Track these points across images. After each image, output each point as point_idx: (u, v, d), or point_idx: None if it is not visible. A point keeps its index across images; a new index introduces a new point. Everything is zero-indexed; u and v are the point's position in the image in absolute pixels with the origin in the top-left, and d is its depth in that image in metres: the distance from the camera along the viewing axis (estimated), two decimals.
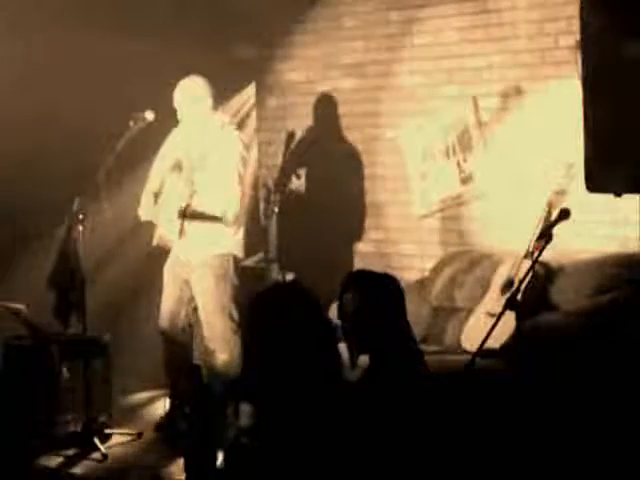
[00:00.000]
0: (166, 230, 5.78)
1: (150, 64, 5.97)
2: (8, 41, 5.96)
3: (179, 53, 6.31)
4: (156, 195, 5.80)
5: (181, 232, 5.71)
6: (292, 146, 6.67)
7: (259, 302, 3.34)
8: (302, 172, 5.79)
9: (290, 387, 3.25)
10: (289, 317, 3.30)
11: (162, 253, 5.90)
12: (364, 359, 3.47)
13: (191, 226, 5.72)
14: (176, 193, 5.72)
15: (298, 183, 6.03)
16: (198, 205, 5.69)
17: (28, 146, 6.10)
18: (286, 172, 6.68)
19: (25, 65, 6.04)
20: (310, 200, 6.65)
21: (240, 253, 5.91)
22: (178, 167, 5.76)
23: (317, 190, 6.83)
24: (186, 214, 5.67)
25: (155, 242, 5.86)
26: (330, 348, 3.41)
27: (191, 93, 5.77)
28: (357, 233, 6.94)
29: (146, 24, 6.41)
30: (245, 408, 3.41)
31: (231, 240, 5.81)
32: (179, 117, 5.80)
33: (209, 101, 5.79)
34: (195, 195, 5.70)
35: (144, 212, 5.81)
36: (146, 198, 5.81)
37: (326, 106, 7.04)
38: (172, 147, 5.92)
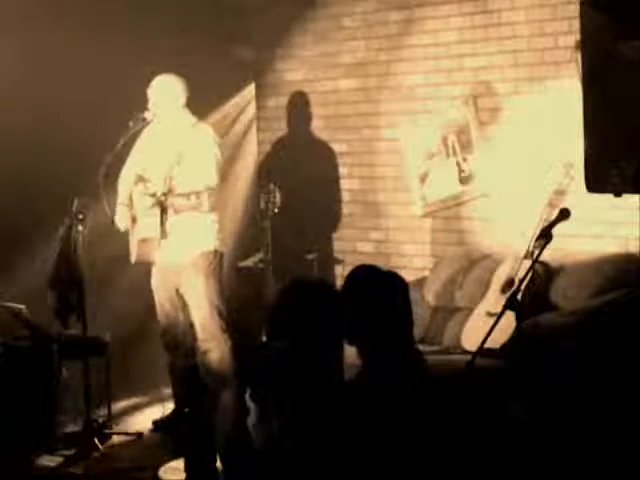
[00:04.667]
0: (146, 232, 5.72)
1: (150, 64, 5.96)
2: (7, 41, 5.95)
3: (179, 53, 6.31)
4: (128, 205, 5.78)
5: (163, 232, 5.66)
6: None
7: (281, 296, 3.40)
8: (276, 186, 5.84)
9: (298, 378, 3.27)
10: (307, 312, 3.34)
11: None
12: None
13: (172, 225, 5.68)
14: (153, 190, 5.66)
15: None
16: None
17: (28, 146, 6.09)
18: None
19: (24, 65, 6.04)
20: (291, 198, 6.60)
21: (222, 249, 5.90)
22: (146, 175, 5.72)
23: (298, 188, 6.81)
24: (167, 200, 5.60)
25: (134, 259, 5.82)
26: (336, 347, 3.43)
27: (165, 92, 5.75)
28: (337, 219, 7.04)
29: (146, 24, 6.41)
30: (253, 407, 3.41)
31: (213, 237, 5.80)
32: (151, 116, 5.77)
33: (182, 99, 5.78)
34: (173, 189, 5.66)
35: (121, 223, 5.80)
36: (120, 209, 5.78)
37: (300, 105, 7.13)
38: (139, 156, 5.88)
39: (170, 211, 5.61)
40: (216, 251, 5.82)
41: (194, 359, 5.89)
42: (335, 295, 3.48)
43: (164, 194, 5.57)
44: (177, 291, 5.84)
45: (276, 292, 3.58)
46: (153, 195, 5.55)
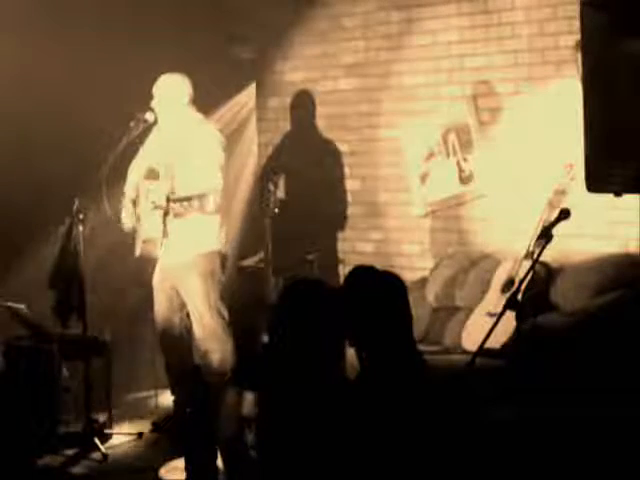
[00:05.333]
0: (149, 232, 5.72)
1: (150, 64, 5.96)
2: (7, 41, 5.96)
3: (180, 53, 6.31)
4: (134, 203, 5.78)
5: (164, 232, 5.66)
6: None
7: (283, 296, 3.41)
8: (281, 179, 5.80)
9: (299, 378, 3.27)
10: (309, 312, 3.34)
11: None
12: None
13: (174, 226, 5.67)
14: (155, 195, 5.65)
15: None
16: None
17: (28, 147, 6.10)
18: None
19: (24, 65, 6.04)
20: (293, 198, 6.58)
21: (224, 250, 5.89)
22: (153, 173, 5.72)
23: (299, 187, 6.78)
24: (168, 205, 5.58)
25: (138, 253, 5.83)
26: (336, 347, 3.44)
27: (169, 91, 5.75)
28: (342, 219, 7.03)
29: (146, 24, 6.42)
30: (249, 397, 3.43)
31: (215, 238, 5.80)
32: (154, 117, 5.76)
33: (186, 98, 5.78)
34: (176, 190, 5.66)
35: (127, 221, 5.81)
36: (126, 207, 5.79)
37: (304, 104, 7.14)
38: (147, 154, 5.87)
39: (171, 215, 5.61)
40: (217, 252, 5.81)
41: (191, 359, 5.89)
42: (335, 295, 3.48)
43: (167, 200, 5.55)
44: (176, 292, 5.84)
45: (277, 292, 3.60)
46: (153, 202, 5.55)
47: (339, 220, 7.07)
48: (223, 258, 5.87)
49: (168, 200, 5.53)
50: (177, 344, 5.90)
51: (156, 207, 5.55)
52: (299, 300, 3.43)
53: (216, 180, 5.65)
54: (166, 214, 5.59)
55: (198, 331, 5.80)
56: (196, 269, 5.73)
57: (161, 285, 5.86)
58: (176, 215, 5.59)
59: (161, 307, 5.87)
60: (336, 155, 7.04)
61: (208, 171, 5.64)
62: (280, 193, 5.72)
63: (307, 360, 3.34)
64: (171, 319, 5.87)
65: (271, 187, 5.83)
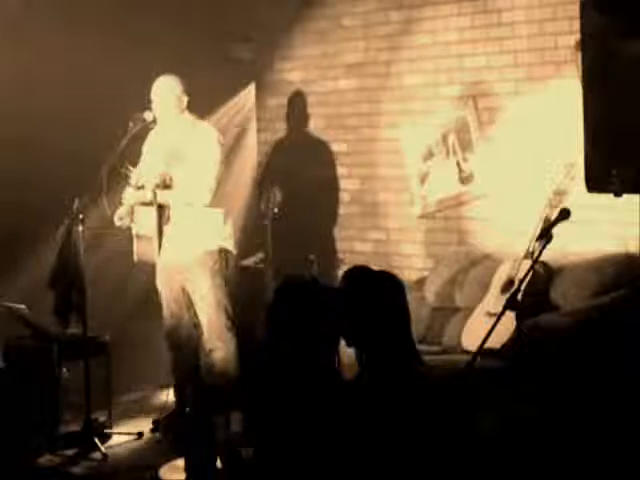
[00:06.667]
0: (141, 229, 5.71)
1: (150, 64, 5.96)
2: (6, 41, 5.96)
3: (179, 53, 6.32)
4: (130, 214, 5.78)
5: (159, 229, 5.65)
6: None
7: (275, 295, 3.41)
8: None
9: (292, 381, 3.27)
10: (302, 311, 3.34)
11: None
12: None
13: (177, 224, 5.66)
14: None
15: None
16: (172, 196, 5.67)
17: (28, 147, 6.10)
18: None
19: (25, 65, 6.04)
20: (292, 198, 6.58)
21: (231, 247, 5.86)
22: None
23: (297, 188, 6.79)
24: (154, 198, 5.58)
25: (136, 258, 5.82)
26: (330, 347, 3.43)
27: (167, 93, 5.75)
28: (338, 219, 7.06)
29: (146, 24, 6.42)
30: (236, 416, 3.42)
31: (220, 234, 5.78)
32: (153, 116, 5.76)
33: (184, 99, 5.78)
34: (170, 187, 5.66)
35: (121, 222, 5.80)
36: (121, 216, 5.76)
37: (299, 105, 7.16)
38: (147, 157, 5.88)
39: (171, 209, 5.61)
40: (221, 250, 5.80)
41: (197, 359, 5.88)
42: (329, 294, 3.48)
43: (154, 192, 5.55)
44: (183, 290, 5.83)
45: (272, 292, 3.59)
46: (140, 188, 5.55)
47: (336, 219, 7.08)
48: (227, 256, 5.85)
49: (139, 188, 5.55)
50: (185, 342, 5.89)
51: (130, 185, 5.56)
52: (291, 299, 3.43)
53: (209, 184, 5.63)
54: (160, 207, 5.59)
55: (205, 329, 5.79)
56: (204, 267, 5.71)
57: (166, 285, 5.84)
58: (143, 204, 5.61)
59: (169, 307, 5.86)
60: (331, 154, 7.05)
61: (203, 174, 5.62)
62: (278, 194, 5.74)
63: (302, 360, 3.34)
64: (180, 317, 5.86)
65: (270, 186, 5.84)
